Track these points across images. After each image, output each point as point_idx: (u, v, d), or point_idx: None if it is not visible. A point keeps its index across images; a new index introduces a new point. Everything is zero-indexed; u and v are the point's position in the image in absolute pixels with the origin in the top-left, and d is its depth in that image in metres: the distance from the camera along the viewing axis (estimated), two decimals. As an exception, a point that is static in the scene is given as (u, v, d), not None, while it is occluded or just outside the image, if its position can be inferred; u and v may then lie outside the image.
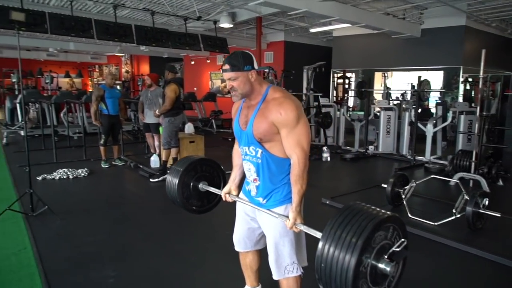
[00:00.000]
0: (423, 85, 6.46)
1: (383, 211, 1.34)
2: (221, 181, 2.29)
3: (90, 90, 14.10)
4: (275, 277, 1.82)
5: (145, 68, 17.11)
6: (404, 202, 3.81)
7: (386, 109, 7.43)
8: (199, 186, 2.14)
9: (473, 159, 4.75)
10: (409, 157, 6.69)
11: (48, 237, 3.21)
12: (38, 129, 8.82)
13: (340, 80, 10.59)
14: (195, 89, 14.09)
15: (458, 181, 3.88)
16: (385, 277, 1.35)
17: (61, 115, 8.68)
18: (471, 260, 2.89)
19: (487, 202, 3.32)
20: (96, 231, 3.41)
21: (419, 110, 6.68)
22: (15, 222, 3.46)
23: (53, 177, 5.12)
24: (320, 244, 1.33)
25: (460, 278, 2.70)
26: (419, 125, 6.58)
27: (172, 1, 8.45)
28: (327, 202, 4.13)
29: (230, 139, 8.68)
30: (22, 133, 8.86)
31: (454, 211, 3.42)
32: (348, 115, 8.60)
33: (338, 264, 1.24)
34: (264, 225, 1.83)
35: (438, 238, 3.19)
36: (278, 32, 11.89)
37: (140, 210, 4.10)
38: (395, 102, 9.24)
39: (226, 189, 1.99)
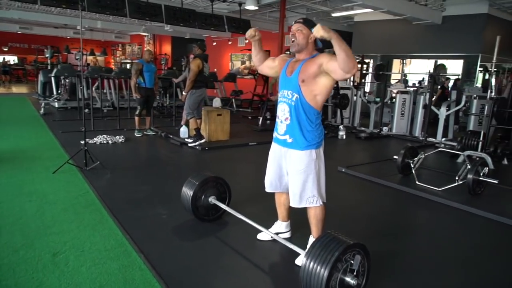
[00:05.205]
0: (439, 69, 6.76)
1: (350, 239, 1.77)
2: (227, 197, 2.92)
3: (115, 68, 14.67)
4: (295, 205, 2.30)
5: (167, 48, 17.58)
6: (413, 171, 4.24)
7: (402, 92, 7.76)
8: (209, 199, 2.75)
9: (481, 138, 5.11)
10: (421, 138, 7.05)
11: (103, 185, 3.77)
12: (70, 101, 9.49)
13: (358, 65, 10.87)
14: (215, 70, 14.51)
15: (463, 154, 4.27)
16: None
17: (93, 89, 9.25)
18: (467, 216, 3.35)
19: (487, 170, 3.73)
20: (143, 182, 3.97)
21: (438, 95, 6.92)
22: (73, 173, 4.04)
23: (94, 141, 5.70)
24: (303, 260, 1.77)
25: (457, 227, 3.14)
26: (434, 109, 6.90)
27: (199, -18, 8.79)
28: (343, 170, 4.58)
29: (250, 117, 9.15)
30: (56, 104, 9.53)
31: (456, 178, 3.84)
32: (365, 98, 8.92)
33: (315, 277, 1.69)
34: (291, 163, 2.28)
35: (441, 200, 3.63)
36: (299, 16, 12.15)
37: (177, 168, 4.69)
38: (412, 89, 9.49)
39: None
